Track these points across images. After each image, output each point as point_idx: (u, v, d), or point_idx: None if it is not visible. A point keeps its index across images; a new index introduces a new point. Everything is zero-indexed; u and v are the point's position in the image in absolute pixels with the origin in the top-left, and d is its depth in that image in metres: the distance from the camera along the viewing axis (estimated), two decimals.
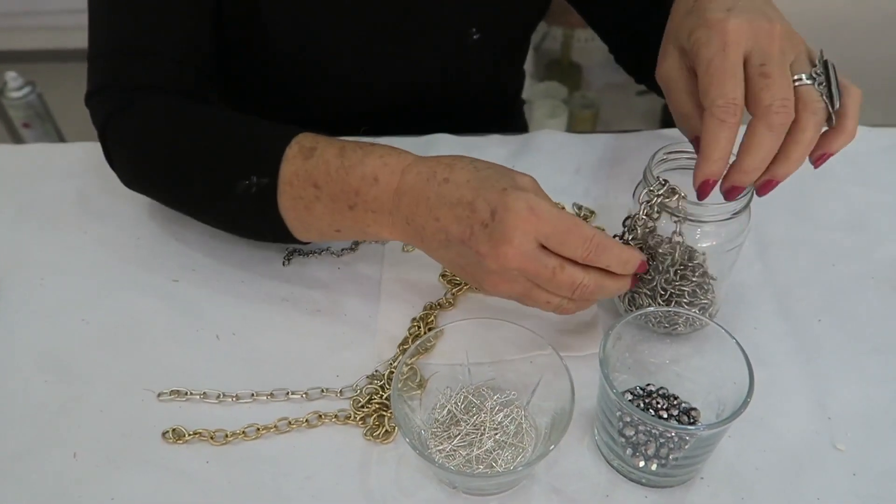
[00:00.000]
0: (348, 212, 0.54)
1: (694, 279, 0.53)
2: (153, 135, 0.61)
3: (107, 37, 0.65)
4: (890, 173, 0.71)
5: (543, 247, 0.49)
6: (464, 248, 0.50)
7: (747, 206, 0.51)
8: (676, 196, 0.50)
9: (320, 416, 0.53)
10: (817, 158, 0.53)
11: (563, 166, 0.73)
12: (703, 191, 0.50)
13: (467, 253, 0.50)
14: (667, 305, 0.54)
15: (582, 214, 0.67)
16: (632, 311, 0.53)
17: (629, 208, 0.53)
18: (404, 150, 0.54)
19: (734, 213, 0.50)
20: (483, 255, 0.49)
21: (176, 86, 0.64)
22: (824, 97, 0.49)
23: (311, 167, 0.54)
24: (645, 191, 0.51)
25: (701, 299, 0.54)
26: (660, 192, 0.50)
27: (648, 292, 0.54)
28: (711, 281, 0.54)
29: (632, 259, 0.50)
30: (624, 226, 0.53)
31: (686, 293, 0.53)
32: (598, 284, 0.50)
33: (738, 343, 0.47)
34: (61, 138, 1.70)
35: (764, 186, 0.51)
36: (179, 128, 0.60)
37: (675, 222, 0.51)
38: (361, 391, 0.54)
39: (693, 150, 0.53)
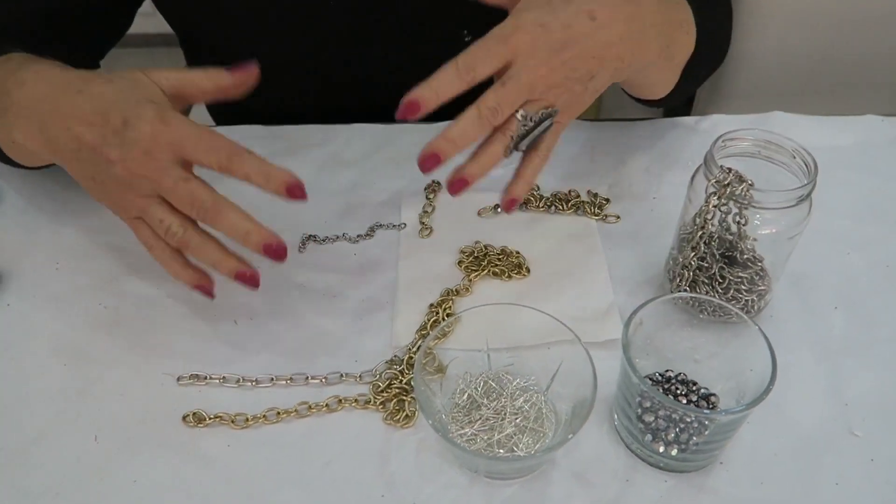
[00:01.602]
0: (3, 116, 0.55)
1: (751, 266, 0.53)
2: None
3: None
4: None
5: (178, 162, 0.49)
6: (95, 156, 0.50)
7: (810, 193, 0.51)
8: (744, 184, 0.50)
9: (340, 400, 0.53)
10: (505, 204, 0.55)
11: (577, 154, 0.73)
12: (407, 108, 0.50)
13: (98, 161, 0.50)
14: (725, 293, 0.54)
15: (598, 202, 0.67)
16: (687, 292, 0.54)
17: (687, 195, 0.54)
18: (63, 64, 0.56)
19: (799, 200, 0.50)
20: (113, 162, 0.49)
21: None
22: (515, 134, 0.51)
23: None
24: (712, 180, 0.51)
25: (759, 286, 0.54)
26: (727, 182, 0.50)
27: (707, 280, 0.54)
28: (767, 268, 0.54)
29: (274, 173, 0.48)
30: (695, 222, 0.53)
31: (745, 280, 0.53)
32: (218, 207, 0.49)
33: (760, 330, 0.47)
34: None
35: (455, 184, 0.52)
36: None
37: (739, 209, 0.51)
38: (381, 376, 0.54)
39: (755, 138, 0.54)
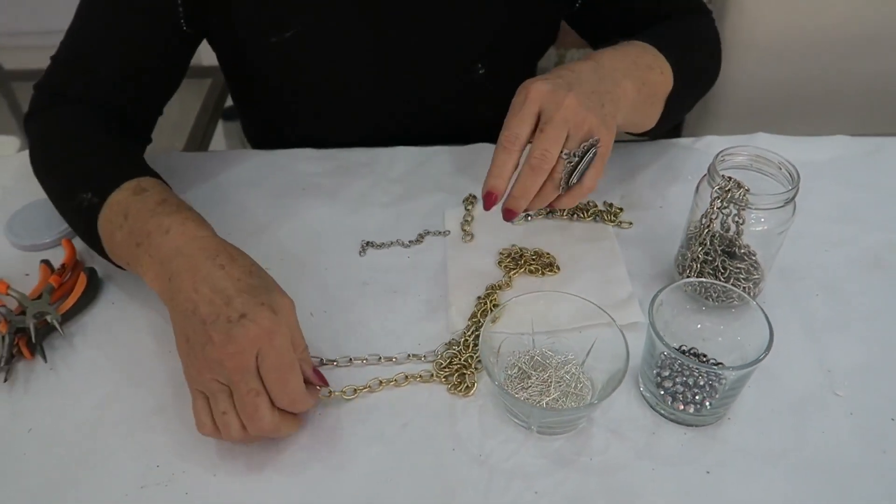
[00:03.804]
0: (135, 248, 0.60)
1: (747, 259, 0.64)
2: (45, 139, 0.72)
3: (67, 45, 0.75)
4: (871, 175, 0.84)
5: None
6: (201, 326, 0.54)
7: (794, 196, 0.62)
8: (742, 190, 0.61)
9: (407, 376, 0.63)
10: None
11: None
12: (487, 201, 0.62)
13: (200, 332, 0.54)
14: (726, 282, 0.65)
15: (613, 211, 0.78)
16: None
17: (694, 200, 0.65)
18: (209, 225, 0.61)
19: (786, 202, 0.61)
20: (212, 342, 0.53)
21: (98, 101, 0.74)
22: (564, 173, 0.62)
23: (132, 201, 0.63)
24: (716, 187, 0.62)
25: (753, 275, 0.66)
26: (728, 188, 0.61)
27: (711, 271, 0.65)
28: (760, 261, 0.65)
29: (301, 402, 0.55)
30: (701, 222, 0.64)
31: (742, 270, 0.65)
32: (274, 429, 0.54)
33: (758, 305, 0.58)
34: None
35: (507, 213, 0.63)
36: (64, 140, 0.71)
37: (738, 210, 0.61)
38: (442, 355, 0.64)
39: (748, 153, 0.65)
